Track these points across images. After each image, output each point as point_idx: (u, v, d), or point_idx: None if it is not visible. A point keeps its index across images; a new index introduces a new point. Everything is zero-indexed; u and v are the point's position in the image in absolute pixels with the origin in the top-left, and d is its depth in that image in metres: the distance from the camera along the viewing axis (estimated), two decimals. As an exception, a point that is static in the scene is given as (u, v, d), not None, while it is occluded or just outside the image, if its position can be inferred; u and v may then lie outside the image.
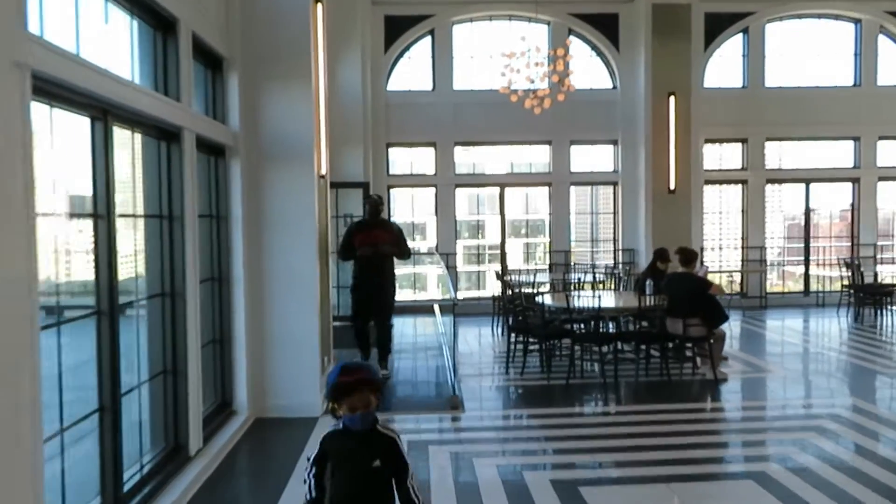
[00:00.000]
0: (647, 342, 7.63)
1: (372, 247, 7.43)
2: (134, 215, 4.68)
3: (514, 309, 8.44)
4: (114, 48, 4.36)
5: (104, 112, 3.92)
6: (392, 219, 13.17)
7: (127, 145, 4.45)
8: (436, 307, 12.33)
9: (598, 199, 14.00)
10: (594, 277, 10.58)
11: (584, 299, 7.39)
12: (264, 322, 6.48)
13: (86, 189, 3.88)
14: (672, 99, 12.49)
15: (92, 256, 3.91)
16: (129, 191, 4.58)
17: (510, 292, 10.07)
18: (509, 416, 6.73)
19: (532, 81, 9.79)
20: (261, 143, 6.40)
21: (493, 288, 14.09)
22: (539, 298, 7.94)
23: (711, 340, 7.44)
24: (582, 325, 8.05)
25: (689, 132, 12.58)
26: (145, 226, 4.83)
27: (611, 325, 8.60)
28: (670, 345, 7.65)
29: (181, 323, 4.97)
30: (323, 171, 7.07)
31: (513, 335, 8.36)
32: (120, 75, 4.05)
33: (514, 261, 14.27)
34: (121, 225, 4.21)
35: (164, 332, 4.92)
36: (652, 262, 8.89)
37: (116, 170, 4.06)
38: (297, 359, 6.53)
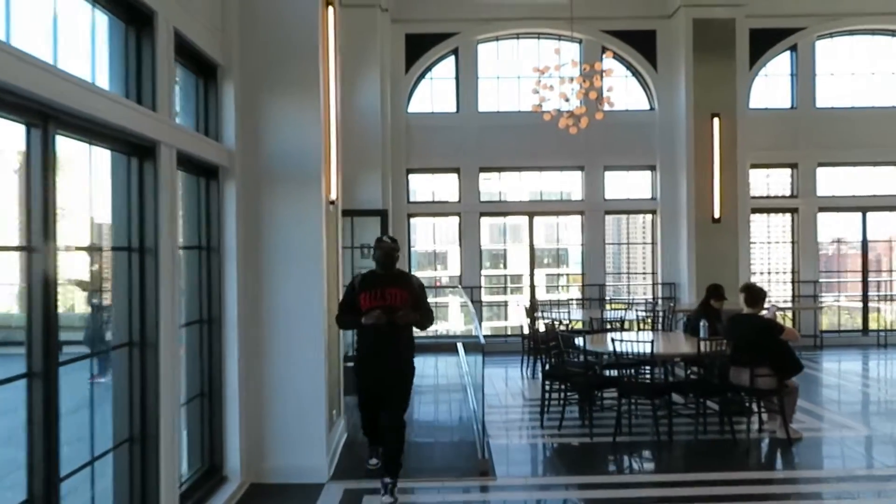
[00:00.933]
0: (707, 394, 6.57)
1: (385, 312, 4.98)
2: (90, 248, 3.80)
3: (549, 349, 7.44)
4: (68, 43, 3.53)
5: (44, 117, 3.07)
6: (412, 248, 12.30)
7: (81, 160, 3.59)
8: (459, 346, 11.36)
9: (633, 228, 13.01)
10: (636, 315, 9.53)
11: (629, 342, 6.36)
12: (262, 371, 5.56)
13: (14, 213, 3.01)
14: (716, 121, 11.54)
15: (23, 301, 3.03)
16: (86, 216, 3.72)
17: (542, 329, 9.10)
18: (548, 486, 5.70)
19: (567, 99, 8.89)
20: (260, 164, 5.55)
21: (516, 319, 13.11)
22: (578, 340, 6.93)
23: (783, 394, 6.37)
24: (627, 371, 7.03)
25: (735, 156, 11.59)
26: (108, 260, 3.96)
27: (657, 373, 7.57)
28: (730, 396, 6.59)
29: (152, 378, 4.05)
30: (333, 196, 6.20)
31: (547, 382, 7.35)
32: (69, 72, 3.21)
33: (538, 292, 13.29)
34: (71, 259, 3.35)
35: (131, 390, 4.01)
36: (704, 299, 7.86)
37: (62, 189, 3.19)
38: (301, 414, 5.59)
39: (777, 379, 6.32)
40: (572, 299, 12.58)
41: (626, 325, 9.32)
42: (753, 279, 12.31)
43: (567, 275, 13.71)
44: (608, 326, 9.26)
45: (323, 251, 5.70)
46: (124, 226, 4.00)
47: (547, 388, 7.32)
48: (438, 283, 13.77)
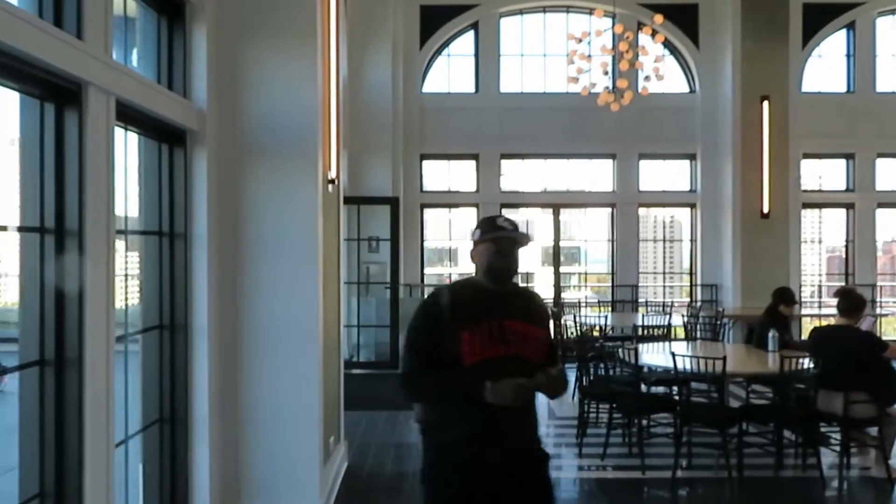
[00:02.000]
0: (792, 424, 5.38)
1: (513, 362, 2.46)
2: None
3: (586, 359, 6.27)
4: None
5: None
6: (424, 244, 11.17)
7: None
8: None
9: (669, 223, 11.81)
10: (683, 321, 8.33)
11: (695, 358, 5.18)
12: (240, 390, 4.43)
13: None
14: (765, 105, 10.32)
15: None
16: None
17: (574, 335, 7.98)
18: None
19: (606, 72, 7.71)
20: (240, 129, 4.42)
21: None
22: (624, 354, 5.75)
23: (883, 424, 5.18)
24: (683, 390, 5.86)
25: (786, 144, 10.37)
26: (11, 245, 2.84)
27: (712, 391, 6.40)
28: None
29: (72, 409, 2.93)
30: (332, 174, 5.06)
31: (586, 402, 6.19)
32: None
33: (548, 292, 12.12)
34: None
35: (42, 428, 2.88)
36: (772, 305, 6.66)
37: None
38: (289, 444, 4.46)
39: (877, 406, 5.13)
40: (598, 301, 11.40)
41: (669, 333, 8.15)
42: (805, 281, 11.09)
43: (581, 274, 12.53)
44: (645, 333, 8.12)
45: (319, 241, 4.57)
46: (34, 197, 2.86)
47: (584, 407, 6.17)
48: (449, 279, 12.62)
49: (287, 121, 4.45)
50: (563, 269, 12.36)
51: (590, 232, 11.50)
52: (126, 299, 3.64)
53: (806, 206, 11.01)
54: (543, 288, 12.13)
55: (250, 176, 4.45)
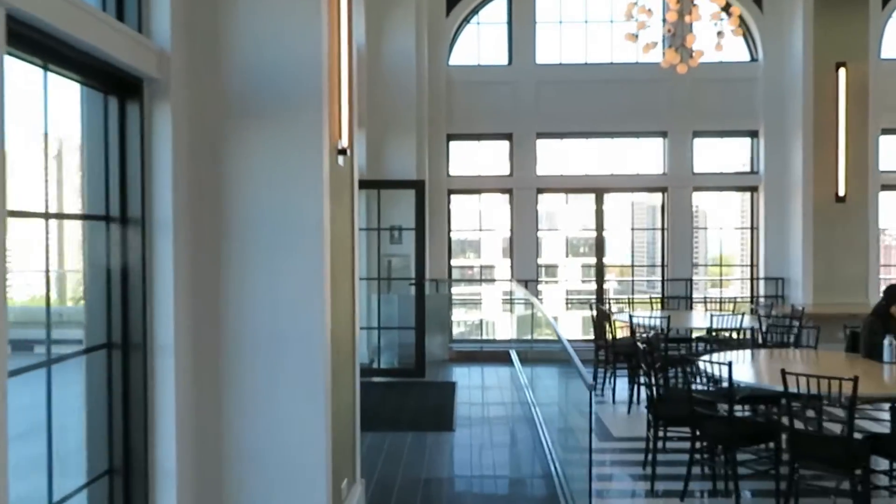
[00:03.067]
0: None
1: None
2: None
3: (654, 368, 5.12)
4: None
5: None
6: (451, 234, 10.06)
7: None
8: (513, 355, 9.08)
9: (724, 209, 10.55)
10: (759, 323, 7.09)
11: (812, 377, 4.00)
12: (221, 427, 3.36)
13: None
14: (841, 72, 9.02)
15: None
16: None
17: (643, 343, 6.85)
18: None
19: (671, 31, 6.50)
20: (219, 79, 3.33)
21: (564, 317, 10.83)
22: (712, 368, 4.58)
23: None
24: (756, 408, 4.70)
25: (866, 118, 9.07)
26: None
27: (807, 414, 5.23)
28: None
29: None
30: (344, 143, 3.95)
31: (656, 422, 5.04)
32: None
33: (574, 284, 10.94)
34: None
35: None
36: (882, 305, 5.42)
37: None
38: (287, 495, 3.38)
39: None
40: (647, 297, 10.20)
41: (753, 337, 6.98)
42: (883, 274, 9.79)
43: (609, 266, 11.24)
44: (716, 336, 6.96)
45: (326, 227, 3.47)
46: None
47: (651, 427, 5.02)
48: (471, 273, 11.51)
49: (284, 72, 3.36)
50: (583, 262, 11.11)
51: (611, 220, 10.23)
52: (47, 305, 2.58)
53: (885, 187, 9.68)
54: (571, 281, 10.99)
55: (235, 143, 3.36)
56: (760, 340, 6.98)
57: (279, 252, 3.39)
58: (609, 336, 7.45)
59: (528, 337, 9.51)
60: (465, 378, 8.27)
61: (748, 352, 5.71)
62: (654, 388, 5.04)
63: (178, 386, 3.11)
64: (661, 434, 5.07)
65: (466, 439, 5.79)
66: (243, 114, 3.37)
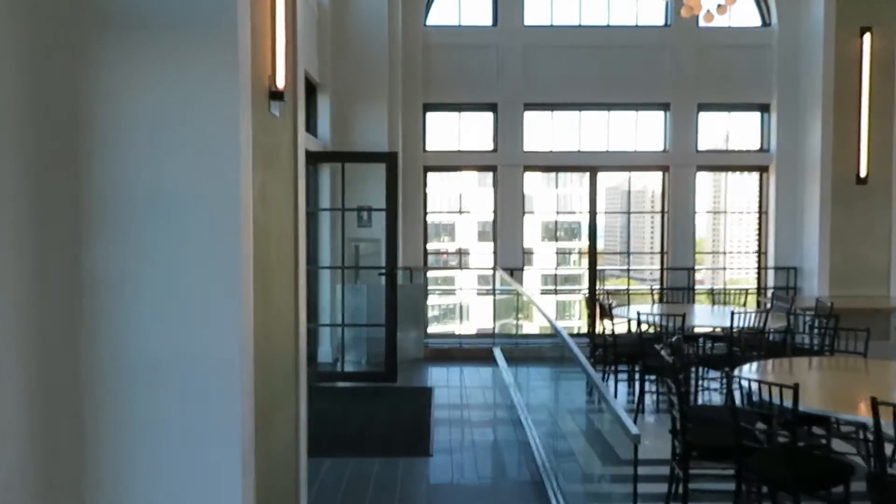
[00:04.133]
0: None
1: None
2: None
3: (682, 386, 4.08)
4: None
5: None
6: (428, 217, 8.98)
7: None
8: (497, 353, 8.05)
9: (729, 190, 9.57)
10: (789, 324, 6.09)
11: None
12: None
13: None
14: (866, 38, 8.04)
15: None
16: None
17: (667, 351, 5.88)
18: None
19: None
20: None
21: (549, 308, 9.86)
22: (777, 392, 3.54)
23: None
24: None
25: (893, 91, 8.11)
26: None
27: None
28: None
29: None
30: (280, 84, 2.82)
31: (684, 457, 4.02)
32: None
33: (550, 271, 9.88)
34: None
35: None
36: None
37: None
38: None
39: None
40: (649, 287, 9.23)
41: (787, 341, 6.01)
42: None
43: (578, 249, 10.27)
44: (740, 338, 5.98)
45: (246, 204, 2.36)
46: None
47: (678, 459, 4.01)
48: (446, 256, 10.43)
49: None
50: (559, 247, 10.02)
51: (589, 203, 9.21)
52: None
53: (907, 169, 8.76)
54: (548, 269, 9.86)
55: (106, 68, 2.23)
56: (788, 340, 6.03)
57: (171, 238, 2.28)
58: (603, 330, 6.45)
59: (514, 332, 8.48)
60: (443, 381, 7.21)
61: (794, 362, 4.70)
62: (682, 409, 4.01)
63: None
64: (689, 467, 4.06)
65: (446, 469, 4.71)
66: (119, 23, 2.24)
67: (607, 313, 6.66)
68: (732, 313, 5.90)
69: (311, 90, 7.65)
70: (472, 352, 8.36)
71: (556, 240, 9.90)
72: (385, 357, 6.64)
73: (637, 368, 6.36)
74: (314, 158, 6.98)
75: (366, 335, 7.77)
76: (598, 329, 6.75)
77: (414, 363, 7.90)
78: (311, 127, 7.68)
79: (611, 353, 6.51)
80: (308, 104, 7.68)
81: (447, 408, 6.32)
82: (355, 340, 7.85)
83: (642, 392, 6.02)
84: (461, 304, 9.28)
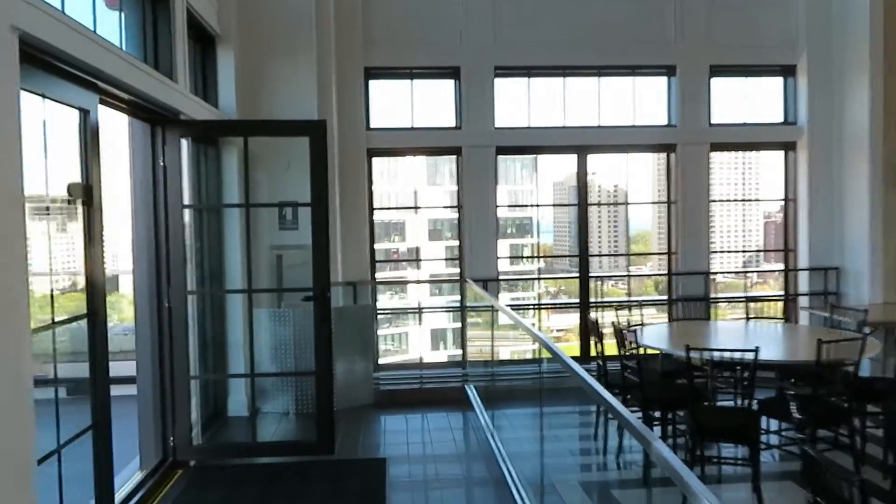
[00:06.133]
0: None
1: None
2: None
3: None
4: None
5: None
6: (376, 215, 6.98)
7: None
8: (471, 392, 6.12)
9: (745, 172, 7.84)
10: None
11: None
12: None
13: None
14: (920, -20, 6.40)
15: None
16: None
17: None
18: None
19: None
20: None
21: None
22: None
23: None
24: None
25: (953, 45, 6.50)
26: None
27: None
28: None
29: None
30: None
31: None
32: None
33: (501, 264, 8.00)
34: None
35: None
36: None
37: None
38: None
39: None
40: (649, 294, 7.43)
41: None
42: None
43: (531, 245, 8.50)
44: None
45: None
46: None
47: None
48: (396, 255, 8.45)
49: None
50: (515, 241, 8.12)
51: (578, 192, 7.36)
52: None
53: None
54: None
55: None
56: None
57: None
58: (624, 364, 4.60)
59: (490, 362, 6.55)
60: (401, 441, 5.21)
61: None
62: None
63: None
64: None
65: None
66: None
67: (623, 342, 4.82)
68: (820, 342, 4.07)
69: (208, 43, 5.55)
70: (437, 393, 6.38)
71: (508, 236, 8.04)
72: (317, 417, 4.59)
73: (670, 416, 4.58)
74: (201, 132, 4.89)
75: (290, 393, 5.74)
76: (594, 354, 4.89)
77: (361, 413, 5.88)
78: (208, 93, 5.57)
79: (637, 396, 4.68)
80: (203, 62, 5.56)
81: (409, 487, 4.34)
82: (280, 382, 5.79)
83: (701, 459, 4.17)
84: (419, 323, 7.26)
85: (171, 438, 4.44)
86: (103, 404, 3.42)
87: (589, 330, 5.18)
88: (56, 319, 3.05)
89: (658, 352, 4.92)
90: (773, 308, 7.32)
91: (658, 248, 8.06)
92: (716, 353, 4.05)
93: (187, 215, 4.64)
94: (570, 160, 7.14)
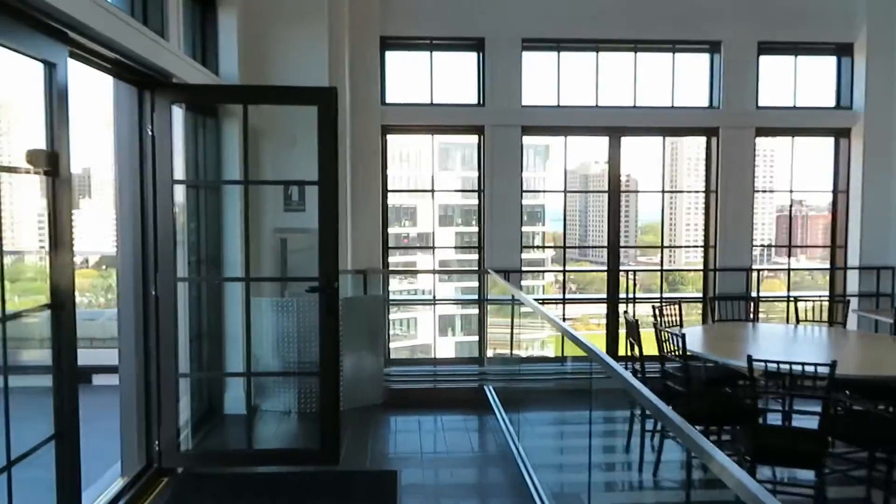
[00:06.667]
0: None
1: None
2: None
3: None
4: None
5: None
6: (389, 195, 6.45)
7: None
8: (490, 393, 5.61)
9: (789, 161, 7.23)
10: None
11: None
12: None
13: None
14: None
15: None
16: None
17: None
18: None
19: None
20: None
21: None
22: None
23: None
24: None
25: None
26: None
27: None
28: None
29: None
30: None
31: None
32: None
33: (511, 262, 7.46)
34: None
35: None
36: None
37: None
38: None
39: None
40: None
41: None
42: None
43: (541, 234, 8.08)
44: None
45: None
46: None
47: None
48: (407, 241, 8.00)
49: None
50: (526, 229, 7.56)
51: (609, 179, 6.74)
52: None
53: None
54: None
55: None
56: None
57: None
58: (664, 367, 4.06)
59: (510, 359, 6.03)
60: (414, 449, 4.70)
61: None
62: None
63: None
64: None
65: None
66: None
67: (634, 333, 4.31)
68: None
69: (207, 3, 5.00)
70: (453, 394, 5.86)
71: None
72: (321, 423, 4.08)
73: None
74: (194, 98, 4.36)
75: (297, 368, 5.25)
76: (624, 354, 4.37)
77: (370, 414, 5.38)
78: (208, 59, 5.03)
79: (682, 407, 4.15)
80: (203, 25, 5.01)
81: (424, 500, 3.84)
82: (282, 379, 5.30)
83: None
84: (435, 315, 6.73)
85: (157, 443, 3.95)
86: (70, 410, 2.92)
87: (628, 330, 4.62)
88: (8, 312, 2.55)
89: (701, 357, 4.37)
90: (816, 309, 6.75)
91: (670, 240, 7.59)
92: (783, 366, 3.49)
93: (180, 193, 4.13)
94: (584, 148, 6.60)
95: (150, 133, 3.83)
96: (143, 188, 3.87)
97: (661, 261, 6.81)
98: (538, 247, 7.95)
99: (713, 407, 4.20)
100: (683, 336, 4.07)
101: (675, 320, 5.40)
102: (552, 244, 7.92)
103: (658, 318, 5.21)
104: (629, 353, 4.64)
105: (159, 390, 3.91)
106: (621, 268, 6.61)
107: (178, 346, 4.05)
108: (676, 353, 4.20)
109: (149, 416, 3.95)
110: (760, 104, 6.51)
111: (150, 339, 3.91)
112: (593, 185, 7.37)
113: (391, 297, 6.55)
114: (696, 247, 6.89)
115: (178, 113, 4.21)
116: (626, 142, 6.56)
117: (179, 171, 4.23)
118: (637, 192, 7.11)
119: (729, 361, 3.95)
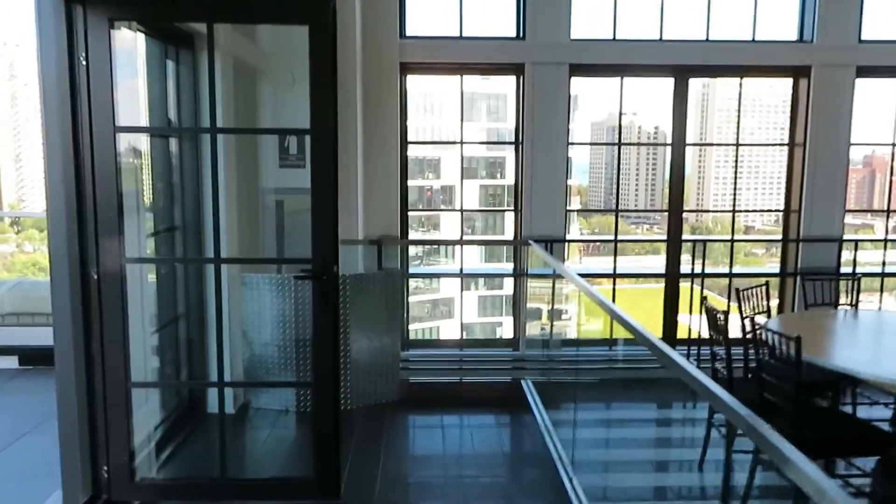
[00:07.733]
0: None
1: None
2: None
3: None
4: None
5: None
6: (408, 147, 5.37)
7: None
8: (528, 387, 4.65)
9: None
10: None
11: None
12: None
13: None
14: None
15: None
16: None
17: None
18: None
19: None
20: None
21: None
22: None
23: None
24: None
25: None
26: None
27: None
28: None
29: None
30: None
31: None
32: None
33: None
34: None
35: None
36: None
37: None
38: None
39: None
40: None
41: None
42: None
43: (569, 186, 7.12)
44: None
45: None
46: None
47: None
48: (430, 193, 7.04)
49: None
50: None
51: (673, 129, 5.56)
52: None
53: None
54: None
55: None
56: None
57: None
58: (758, 370, 3.06)
59: (557, 342, 5.04)
60: (438, 472, 3.76)
61: None
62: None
63: None
64: None
65: None
66: None
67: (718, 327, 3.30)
68: None
69: None
70: (483, 391, 4.91)
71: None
72: (315, 446, 3.14)
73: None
74: (139, 13, 3.33)
75: (295, 359, 4.35)
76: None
77: (383, 416, 4.45)
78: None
79: (783, 426, 3.12)
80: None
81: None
82: (278, 370, 4.40)
83: None
84: (459, 296, 5.74)
85: (105, 469, 3.05)
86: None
87: (710, 322, 3.60)
88: None
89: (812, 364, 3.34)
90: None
91: (697, 201, 6.61)
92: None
93: (143, 144, 3.15)
94: (611, 97, 5.45)
95: (82, 62, 2.83)
96: (78, 136, 2.89)
97: (732, 229, 5.72)
98: (583, 210, 6.87)
99: (826, 427, 3.20)
100: (798, 339, 3.03)
101: (760, 305, 4.37)
102: (578, 197, 6.99)
103: (741, 305, 4.19)
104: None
105: (105, 403, 3.00)
106: (684, 237, 5.55)
107: (134, 343, 3.12)
108: (781, 355, 3.17)
109: (94, 434, 3.04)
110: (863, 38, 5.31)
111: (94, 337, 2.98)
112: (625, 138, 6.25)
113: (410, 269, 5.57)
114: (775, 211, 5.77)
115: (129, 38, 3.20)
116: (648, 84, 5.44)
117: (136, 116, 3.25)
118: (709, 144, 5.98)
119: (880, 377, 2.92)
